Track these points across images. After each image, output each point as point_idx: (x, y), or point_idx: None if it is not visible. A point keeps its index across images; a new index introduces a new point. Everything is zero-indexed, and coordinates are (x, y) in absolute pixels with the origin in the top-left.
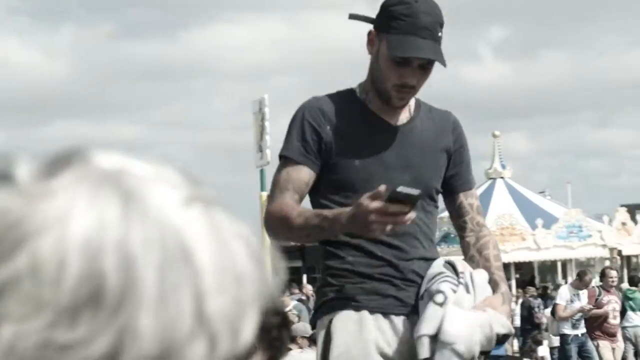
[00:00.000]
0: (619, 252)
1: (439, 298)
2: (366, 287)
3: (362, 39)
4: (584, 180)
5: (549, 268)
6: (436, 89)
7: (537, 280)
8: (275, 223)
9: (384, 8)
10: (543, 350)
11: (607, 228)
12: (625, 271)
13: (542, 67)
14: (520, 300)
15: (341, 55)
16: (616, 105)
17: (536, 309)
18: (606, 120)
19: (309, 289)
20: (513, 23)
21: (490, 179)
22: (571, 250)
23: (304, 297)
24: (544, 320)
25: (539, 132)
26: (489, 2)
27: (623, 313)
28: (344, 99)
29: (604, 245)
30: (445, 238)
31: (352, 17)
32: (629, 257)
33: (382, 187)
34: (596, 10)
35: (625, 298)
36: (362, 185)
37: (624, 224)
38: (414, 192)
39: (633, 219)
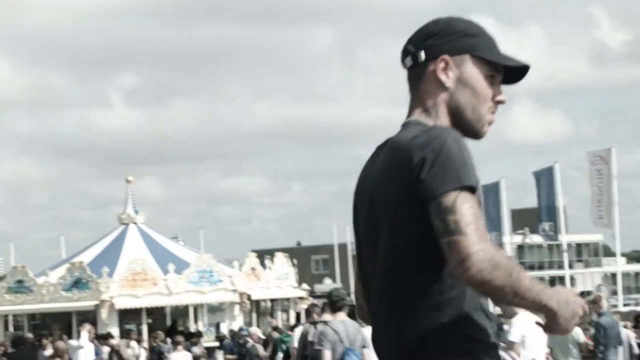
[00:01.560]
0: (249, 297)
1: None
2: None
3: None
4: (216, 226)
5: (181, 313)
6: (67, 135)
7: (168, 325)
8: (505, 275)
9: (451, 30)
10: None
11: (237, 273)
12: (254, 315)
13: (173, 114)
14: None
15: None
16: (245, 153)
17: (166, 354)
18: (235, 167)
19: None
20: (144, 70)
21: (123, 224)
22: (202, 295)
23: None
24: None
25: (171, 178)
26: (120, 48)
27: (275, 353)
28: None
29: (234, 290)
30: (76, 284)
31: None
32: (258, 302)
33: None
34: (224, 60)
35: (280, 341)
36: None
37: (253, 269)
38: None
39: (262, 264)
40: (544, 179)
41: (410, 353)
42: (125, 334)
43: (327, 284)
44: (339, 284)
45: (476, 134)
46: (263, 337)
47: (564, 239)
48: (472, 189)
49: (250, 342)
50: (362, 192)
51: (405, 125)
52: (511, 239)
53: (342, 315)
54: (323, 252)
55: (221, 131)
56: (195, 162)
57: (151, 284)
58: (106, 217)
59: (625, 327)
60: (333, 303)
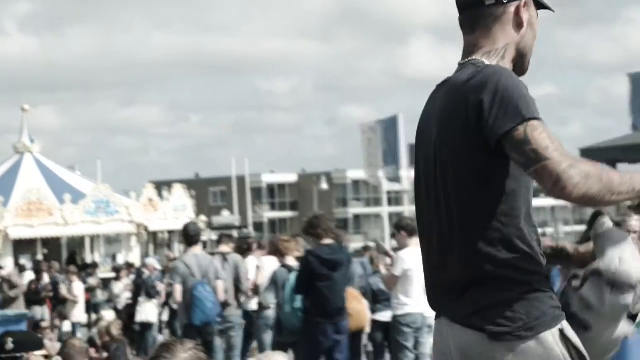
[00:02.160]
0: (146, 228)
1: None
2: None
3: None
4: (114, 157)
5: (77, 243)
6: None
7: (65, 256)
8: (597, 180)
9: None
10: (67, 325)
11: (134, 204)
12: (151, 247)
13: (69, 42)
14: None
15: None
16: (142, 83)
17: (61, 285)
18: (133, 97)
19: None
20: None
21: (19, 153)
22: (99, 225)
23: None
24: (73, 296)
25: (68, 107)
26: None
27: None
28: None
29: (131, 221)
30: None
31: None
32: (155, 233)
33: None
34: None
35: None
36: None
37: (151, 200)
38: None
39: (160, 195)
40: None
41: (470, 285)
42: (36, 266)
43: (225, 216)
44: (236, 216)
45: (524, 73)
46: (160, 268)
47: None
48: (536, 119)
49: (147, 273)
50: (423, 131)
51: (463, 65)
52: (409, 173)
53: (196, 249)
54: (221, 184)
55: (118, 60)
56: (92, 91)
57: (47, 214)
58: (1, 146)
59: None
60: (189, 237)
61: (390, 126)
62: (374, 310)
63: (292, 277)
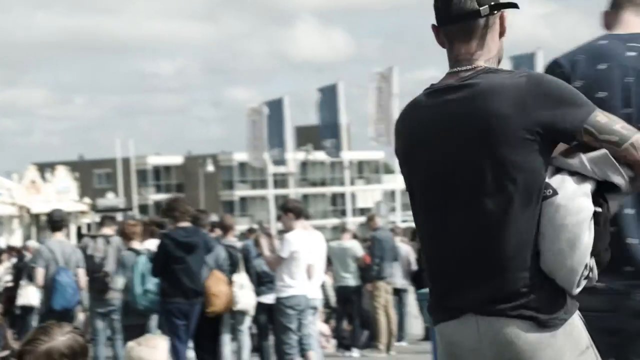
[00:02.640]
0: (28, 210)
1: None
2: None
3: None
4: None
5: None
6: None
7: None
8: None
9: None
10: None
11: (16, 186)
12: (34, 229)
13: None
14: None
15: None
16: (24, 64)
17: None
18: (15, 78)
19: None
20: None
21: None
22: None
23: None
24: None
25: None
26: None
27: None
28: None
29: (13, 203)
30: None
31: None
32: (37, 216)
33: None
34: None
35: None
36: None
37: (33, 182)
38: None
39: (43, 177)
40: (327, 96)
41: (511, 279)
42: None
43: (110, 199)
44: (121, 198)
45: None
46: None
47: (346, 156)
48: None
49: (29, 255)
50: (427, 136)
51: (469, 71)
52: (294, 156)
53: (59, 235)
54: (106, 166)
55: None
56: None
57: None
58: None
59: (402, 242)
60: (53, 223)
61: (275, 108)
62: (258, 293)
63: (140, 259)
